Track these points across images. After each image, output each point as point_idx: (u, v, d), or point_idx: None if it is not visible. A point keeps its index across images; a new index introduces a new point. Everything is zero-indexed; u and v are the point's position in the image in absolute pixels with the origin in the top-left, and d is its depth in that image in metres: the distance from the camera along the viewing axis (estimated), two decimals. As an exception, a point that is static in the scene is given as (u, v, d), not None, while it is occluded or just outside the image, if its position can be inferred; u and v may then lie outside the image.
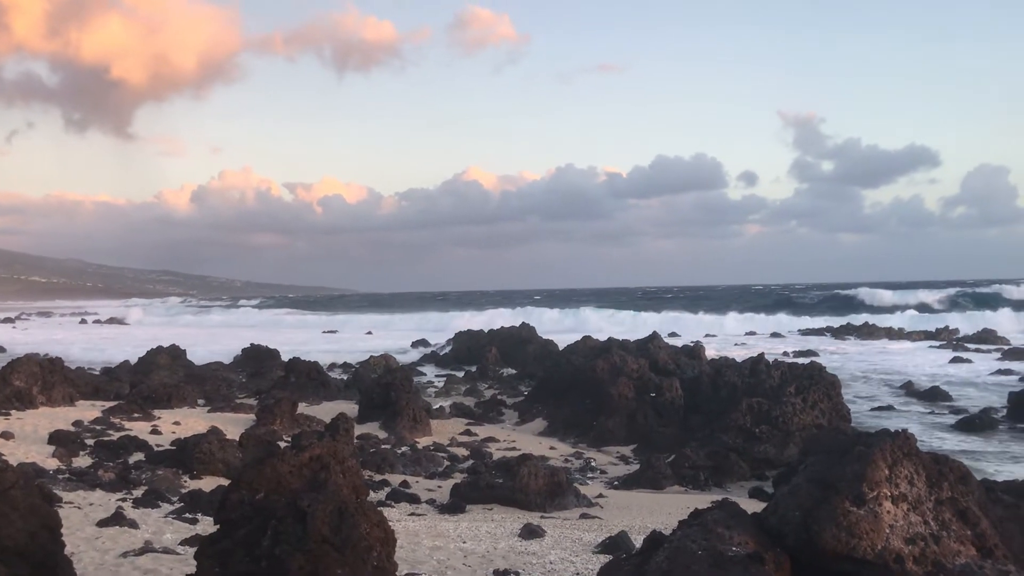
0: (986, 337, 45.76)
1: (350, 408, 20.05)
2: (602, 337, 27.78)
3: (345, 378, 27.48)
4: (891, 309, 69.94)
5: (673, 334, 47.07)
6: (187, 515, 9.52)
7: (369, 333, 59.25)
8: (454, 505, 11.23)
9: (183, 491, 10.97)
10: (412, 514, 10.74)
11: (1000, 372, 30.32)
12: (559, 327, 52.42)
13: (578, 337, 28.54)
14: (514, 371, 30.49)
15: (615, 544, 8.38)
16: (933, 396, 24.35)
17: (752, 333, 54.79)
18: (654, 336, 24.79)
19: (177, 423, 17.11)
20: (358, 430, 16.95)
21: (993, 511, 5.61)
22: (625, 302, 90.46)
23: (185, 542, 7.95)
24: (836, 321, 59.50)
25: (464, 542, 8.65)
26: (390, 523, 5.72)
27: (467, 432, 18.62)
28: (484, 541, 8.76)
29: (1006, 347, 39.18)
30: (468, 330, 41.33)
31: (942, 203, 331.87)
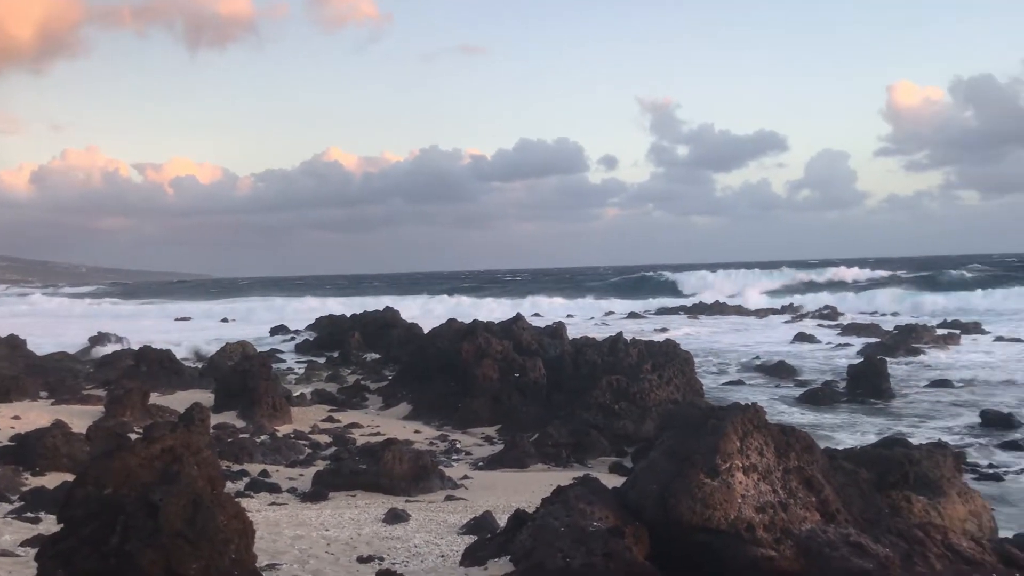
0: (827, 314, 48.56)
1: (206, 397, 19.36)
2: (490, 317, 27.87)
3: (200, 366, 26.52)
4: (742, 288, 73.09)
5: (536, 315, 47.73)
6: (28, 514, 8.95)
7: (225, 320, 57.40)
8: (316, 493, 11.02)
9: (24, 489, 10.32)
10: (272, 504, 10.48)
11: (840, 347, 32.20)
12: (427, 313, 52.21)
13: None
14: (378, 356, 30.18)
15: (480, 524, 8.41)
16: (780, 370, 25.61)
17: (611, 313, 56.19)
18: (518, 318, 25.01)
19: (17, 417, 16.09)
20: (215, 419, 16.39)
21: (835, 478, 5.92)
22: (502, 287, 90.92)
23: (26, 543, 7.48)
24: (689, 300, 61.77)
25: (327, 530, 8.50)
26: (249, 514, 5.54)
27: (329, 419, 18.32)
28: (348, 528, 8.64)
29: (845, 323, 41.62)
30: (330, 315, 40.63)
31: (788, 186, 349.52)
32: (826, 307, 52.63)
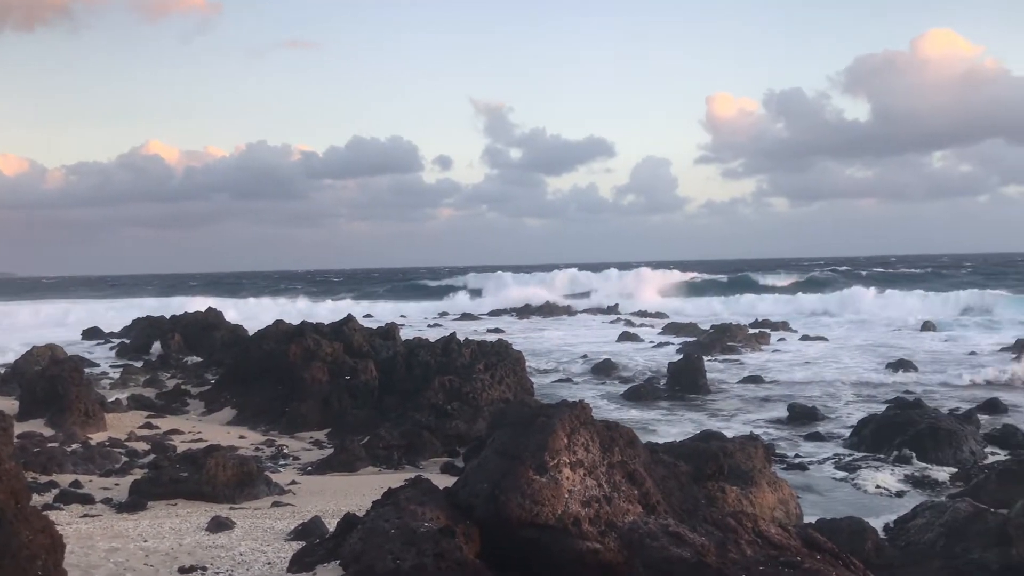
0: (649, 313, 50.62)
1: (9, 405, 18.01)
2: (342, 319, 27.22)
3: (2, 372, 24.65)
4: (571, 289, 75.00)
5: (368, 315, 47.20)
6: None
7: (33, 322, 53.58)
8: (134, 503, 10.46)
9: None
10: (85, 516, 9.86)
11: (661, 345, 33.62)
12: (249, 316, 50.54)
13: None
14: (199, 359, 28.98)
15: (308, 530, 8.24)
16: (605, 368, 26.47)
17: (445, 314, 56.35)
18: (349, 319, 24.64)
19: None
20: (19, 428, 15.25)
21: (656, 471, 6.17)
22: (335, 285, 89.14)
23: None
24: (521, 301, 62.80)
25: (145, 541, 8.09)
26: (59, 527, 5.20)
27: (148, 425, 17.43)
28: (168, 538, 8.25)
29: (666, 322, 43.47)
30: (148, 316, 38.66)
31: (615, 191, 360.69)
32: (649, 307, 54.82)
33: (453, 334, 20.62)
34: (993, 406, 18.69)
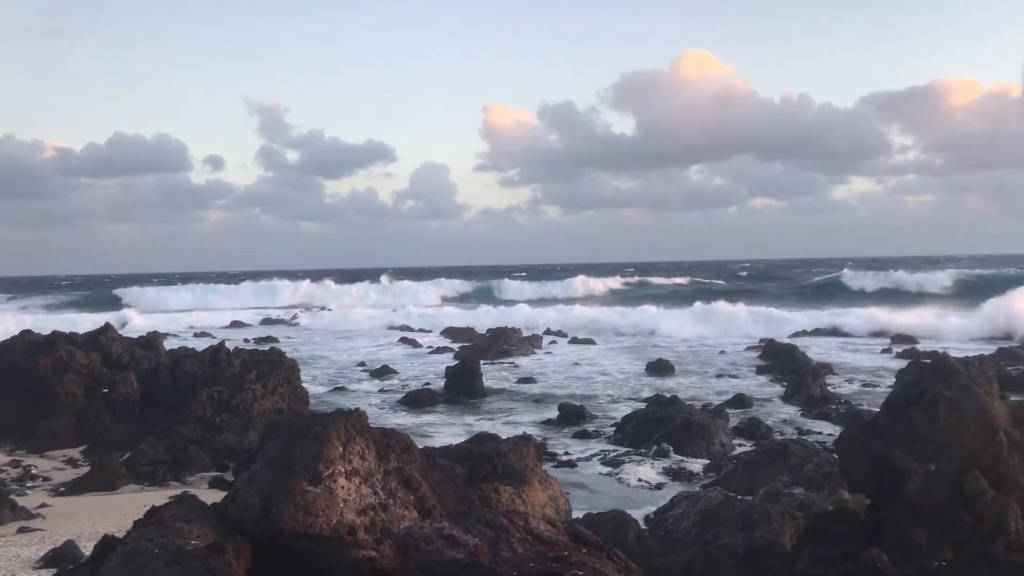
0: (429, 318, 50.94)
1: None
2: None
3: None
4: (351, 293, 74.10)
5: (125, 324, 44.37)
6: None
7: None
8: None
9: None
10: None
11: (439, 350, 33.96)
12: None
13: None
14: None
15: (61, 555, 7.67)
16: (383, 374, 26.42)
17: (208, 325, 53.97)
18: (107, 328, 23.03)
19: None
20: None
21: (432, 475, 6.25)
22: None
23: None
24: (296, 308, 61.32)
25: None
26: None
27: None
28: None
29: (444, 327, 43.96)
30: None
31: (395, 196, 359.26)
32: (427, 313, 55.16)
33: (222, 343, 19.80)
34: (740, 401, 20.36)
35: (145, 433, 16.09)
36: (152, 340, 23.40)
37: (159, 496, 11.27)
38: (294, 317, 55.22)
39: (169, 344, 24.11)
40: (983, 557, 6.39)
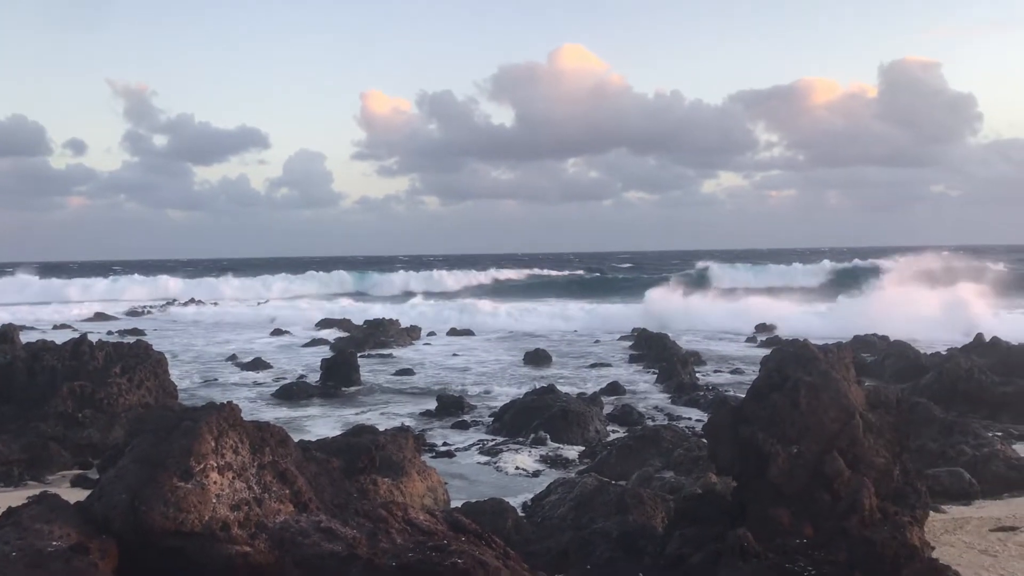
0: (303, 309, 50.00)
1: None
2: None
3: None
4: (221, 285, 72.03)
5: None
6: None
7: None
8: None
9: None
10: None
11: (314, 342, 33.40)
12: None
13: None
14: None
15: (-94, 564, 7.18)
16: (256, 366, 25.81)
17: (78, 313, 51.49)
18: (-45, 320, 21.72)
19: None
20: None
21: (308, 468, 6.17)
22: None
23: None
24: (163, 299, 59.20)
25: None
26: None
27: None
28: None
29: (319, 318, 43.25)
30: None
31: (268, 184, 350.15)
32: (301, 305, 54.16)
33: (84, 335, 18.92)
34: (614, 388, 20.86)
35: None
36: (6, 332, 22.13)
37: (16, 497, 10.67)
38: (163, 308, 53.31)
39: (26, 337, 22.87)
40: (839, 533, 6.77)
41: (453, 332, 37.39)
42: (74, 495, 7.40)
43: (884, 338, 27.79)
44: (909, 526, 6.75)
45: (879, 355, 24.36)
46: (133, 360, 17.26)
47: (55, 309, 53.81)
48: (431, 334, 36.74)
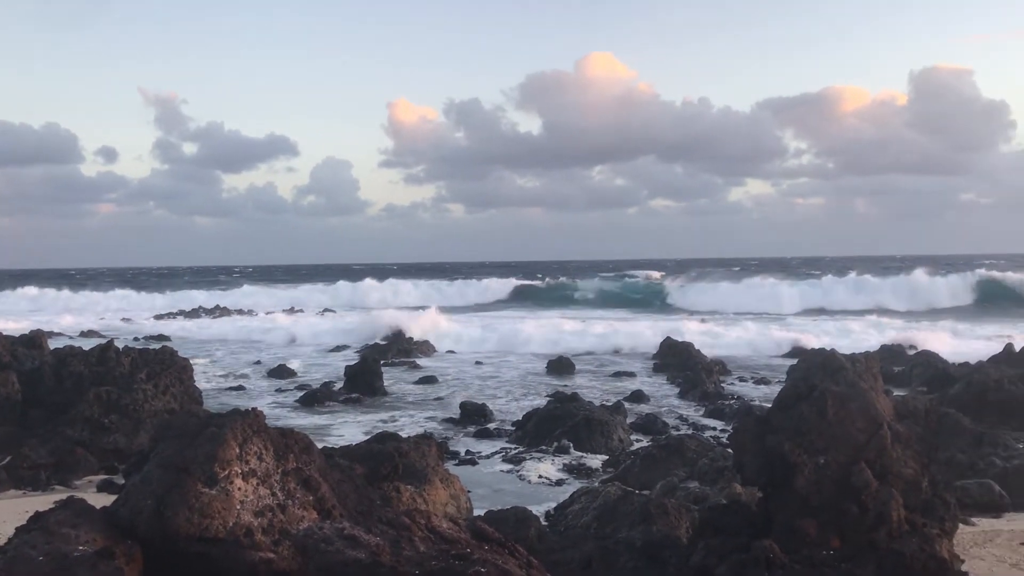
0: (328, 316, 50.25)
1: None
2: None
3: None
4: (244, 294, 72.49)
5: (9, 321, 42.34)
6: None
7: None
8: None
9: None
10: None
11: (338, 348, 33.54)
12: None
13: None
14: None
15: (-65, 566, 7.25)
16: (280, 373, 25.92)
17: (103, 319, 52.00)
18: (-15, 326, 22.01)
19: None
20: None
21: (332, 475, 6.17)
22: None
23: None
24: (189, 305, 59.64)
25: None
26: None
27: None
28: None
29: (343, 324, 43.38)
30: None
31: (295, 191, 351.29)
32: (327, 309, 54.46)
33: (111, 341, 19.10)
34: (638, 397, 20.76)
35: (27, 435, 15.38)
36: (35, 338, 22.40)
37: (43, 501, 10.81)
38: (188, 315, 53.72)
39: (53, 343, 23.12)
40: (867, 545, 6.68)
41: (477, 341, 37.34)
42: (100, 500, 7.46)
43: (912, 347, 27.51)
44: (938, 539, 6.65)
45: (907, 365, 24.09)
46: (159, 366, 17.40)
47: (82, 316, 54.40)
48: (455, 343, 36.74)
